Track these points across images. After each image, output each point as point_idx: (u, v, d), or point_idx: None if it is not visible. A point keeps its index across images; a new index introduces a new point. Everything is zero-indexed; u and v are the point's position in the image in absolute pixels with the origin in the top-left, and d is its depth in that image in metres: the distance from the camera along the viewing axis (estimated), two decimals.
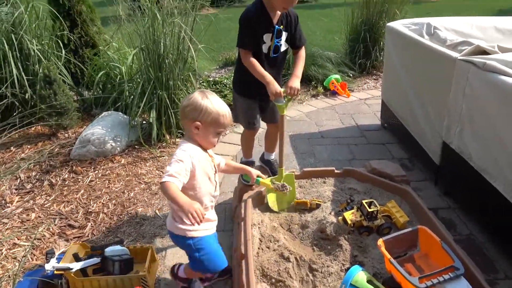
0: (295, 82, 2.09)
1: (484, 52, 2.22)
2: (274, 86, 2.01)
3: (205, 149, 1.68)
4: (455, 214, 2.43)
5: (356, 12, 5.16)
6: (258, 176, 1.96)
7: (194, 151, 1.59)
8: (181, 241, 1.66)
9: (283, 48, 2.11)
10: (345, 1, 5.19)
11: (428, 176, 2.83)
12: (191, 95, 1.60)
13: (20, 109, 3.51)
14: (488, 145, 2.05)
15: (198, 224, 1.38)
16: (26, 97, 3.45)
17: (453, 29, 2.95)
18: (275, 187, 2.05)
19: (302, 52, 2.22)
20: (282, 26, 2.06)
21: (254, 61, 2.03)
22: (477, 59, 2.12)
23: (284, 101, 2.11)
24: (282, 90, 2.06)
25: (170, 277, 1.90)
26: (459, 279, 1.50)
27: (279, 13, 2.05)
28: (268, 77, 2.02)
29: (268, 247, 2.00)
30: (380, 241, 1.73)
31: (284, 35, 2.08)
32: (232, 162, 1.99)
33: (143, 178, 2.94)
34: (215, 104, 1.57)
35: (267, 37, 2.04)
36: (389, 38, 3.41)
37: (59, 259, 1.83)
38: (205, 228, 1.71)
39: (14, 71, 3.41)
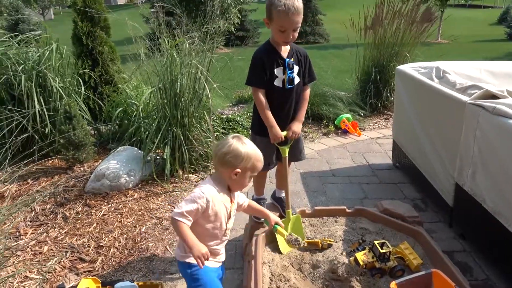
0: (297, 126, 2.20)
1: (493, 96, 2.27)
2: (276, 130, 2.10)
3: (230, 191, 1.70)
4: (471, 257, 2.37)
5: (367, 53, 5.32)
6: (276, 224, 1.96)
7: (214, 196, 1.60)
8: (182, 269, 1.67)
9: (297, 80, 2.18)
10: (356, 43, 5.36)
11: (442, 218, 2.79)
12: (227, 141, 1.61)
13: (39, 143, 3.64)
14: (501, 188, 2.04)
15: (200, 267, 1.45)
16: (46, 131, 3.59)
17: (462, 73, 3.01)
18: (288, 239, 2.04)
19: (307, 93, 2.28)
20: (292, 59, 2.15)
21: (262, 100, 2.10)
22: (487, 103, 2.16)
23: (286, 144, 2.19)
24: (284, 133, 2.15)
25: None
26: None
27: (287, 48, 2.14)
28: (271, 120, 2.10)
29: (279, 287, 1.97)
30: (393, 284, 1.70)
31: (296, 68, 2.16)
32: (254, 203, 2.00)
33: (155, 213, 2.97)
34: (254, 150, 1.63)
35: (278, 71, 2.11)
36: (399, 80, 3.50)
37: None
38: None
39: (37, 106, 3.57)
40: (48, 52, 3.77)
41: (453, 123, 2.44)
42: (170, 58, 3.31)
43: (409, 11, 4.93)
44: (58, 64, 3.87)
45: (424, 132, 2.95)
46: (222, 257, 1.80)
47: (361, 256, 2.08)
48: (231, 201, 1.71)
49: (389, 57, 5.12)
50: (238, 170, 1.59)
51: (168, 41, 3.40)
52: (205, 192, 1.57)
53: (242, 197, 1.86)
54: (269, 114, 2.10)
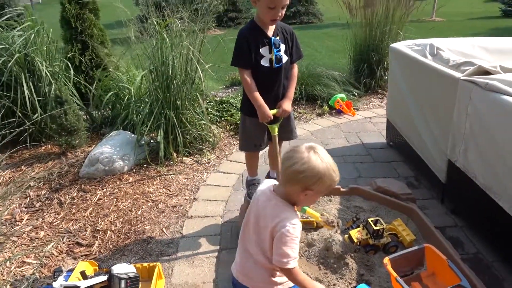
0: (287, 104, 2.18)
1: (486, 72, 2.26)
2: (265, 109, 2.08)
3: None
4: (462, 232, 2.42)
5: (359, 32, 5.26)
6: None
7: (299, 224, 1.40)
8: None
9: (284, 59, 2.15)
10: (347, 23, 5.30)
11: (435, 194, 2.82)
12: (301, 155, 1.32)
13: (30, 129, 3.61)
14: (492, 164, 2.06)
15: None
16: (35, 116, 3.54)
17: (456, 49, 2.99)
18: (324, 220, 2.04)
19: (295, 71, 2.26)
20: (278, 37, 2.11)
21: (248, 80, 2.07)
22: (480, 79, 2.15)
23: (276, 122, 2.18)
24: (273, 112, 2.13)
25: None
26: None
27: (273, 27, 2.11)
28: (259, 100, 2.08)
29: None
30: (386, 260, 1.73)
31: (282, 47, 2.13)
32: None
33: (150, 196, 2.98)
34: (332, 165, 1.34)
35: (264, 51, 2.08)
36: (393, 58, 3.48)
37: (67, 277, 1.85)
38: None
39: (26, 91, 3.51)
40: (33, 36, 3.68)
41: (447, 100, 2.44)
42: (160, 40, 3.25)
43: None
44: (45, 48, 3.78)
45: (417, 110, 2.95)
46: None
47: (355, 234, 2.11)
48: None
49: (380, 36, 5.07)
50: (311, 191, 1.34)
51: (157, 22, 3.33)
52: (296, 225, 1.37)
53: None
54: (257, 94, 2.08)
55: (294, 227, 1.36)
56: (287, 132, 2.36)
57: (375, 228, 2.06)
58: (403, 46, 3.25)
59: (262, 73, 2.11)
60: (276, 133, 2.21)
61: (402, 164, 3.34)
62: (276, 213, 1.39)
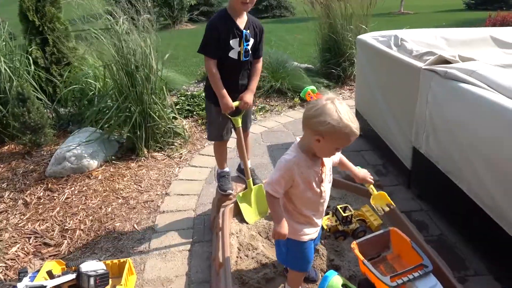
0: (249, 96, 2.19)
1: (446, 61, 2.34)
2: (227, 100, 2.09)
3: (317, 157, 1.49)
4: (427, 216, 2.52)
5: (324, 26, 5.32)
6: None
7: (299, 161, 1.44)
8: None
9: (250, 53, 2.15)
10: (313, 16, 5.34)
11: (401, 181, 2.92)
12: (318, 102, 1.36)
13: None
14: (449, 148, 2.15)
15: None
16: None
17: (419, 40, 3.08)
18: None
19: (259, 65, 2.27)
20: (249, 31, 2.10)
21: (213, 70, 2.06)
22: (439, 68, 2.23)
23: (238, 114, 2.19)
24: (235, 104, 2.14)
25: None
26: (428, 276, 1.56)
27: (244, 18, 2.09)
28: (223, 91, 2.08)
29: (247, 256, 2.02)
30: (353, 244, 1.78)
31: (251, 41, 2.13)
32: (345, 159, 1.79)
33: (120, 193, 2.92)
34: (346, 120, 1.31)
35: (234, 43, 2.06)
36: (359, 49, 3.54)
37: (32, 278, 1.80)
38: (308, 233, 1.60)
39: None
40: None
41: (410, 89, 2.52)
42: (118, 35, 3.18)
43: None
44: (4, 43, 3.62)
45: (384, 99, 3.03)
46: (320, 221, 1.67)
47: (325, 221, 2.16)
48: (322, 163, 1.52)
49: (340, 29, 5.12)
50: (322, 138, 1.35)
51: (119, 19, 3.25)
52: (289, 160, 1.43)
53: (337, 155, 1.67)
54: (220, 84, 2.08)
55: (285, 158, 1.45)
56: (246, 122, 2.38)
57: (344, 214, 2.11)
58: (369, 37, 3.32)
59: (228, 65, 2.10)
60: (240, 125, 2.23)
61: (371, 152, 3.43)
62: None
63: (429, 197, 2.64)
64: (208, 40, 2.05)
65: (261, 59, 2.27)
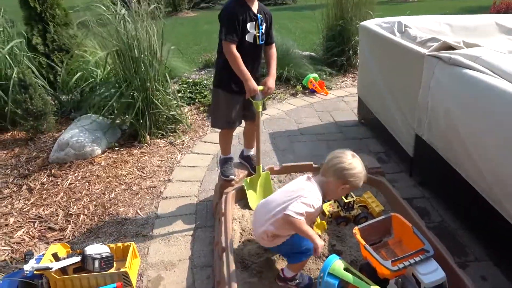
0: (272, 81, 2.20)
1: (450, 47, 2.33)
2: (252, 83, 2.08)
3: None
4: (429, 203, 2.53)
5: (330, 13, 5.27)
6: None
7: (320, 201, 1.70)
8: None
9: (264, 37, 2.17)
10: (315, 2, 5.28)
11: (404, 168, 2.92)
12: (347, 157, 1.69)
13: None
14: (450, 135, 2.16)
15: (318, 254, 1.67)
16: None
17: (423, 26, 3.06)
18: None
19: (274, 50, 2.29)
20: (261, 15, 2.12)
21: (237, 54, 2.05)
22: (443, 54, 2.22)
23: (260, 98, 2.18)
24: (260, 88, 2.13)
25: (280, 283, 1.79)
26: (429, 260, 1.58)
27: (256, 4, 2.11)
28: (247, 74, 2.07)
29: (249, 241, 2.04)
30: (355, 229, 1.79)
31: (264, 26, 2.15)
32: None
33: (123, 179, 2.94)
34: (363, 169, 1.72)
35: (251, 26, 2.08)
36: (362, 36, 3.52)
37: (38, 260, 1.82)
38: None
39: None
40: None
41: (413, 76, 2.51)
42: (122, 22, 3.15)
43: None
44: (2, 30, 3.60)
45: (387, 86, 3.02)
46: None
47: (327, 207, 2.18)
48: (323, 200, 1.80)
49: (351, 16, 5.09)
50: (348, 186, 1.70)
51: (119, 4, 3.22)
52: (319, 203, 1.68)
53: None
54: (244, 68, 2.07)
55: (316, 197, 1.67)
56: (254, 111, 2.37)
57: (346, 200, 2.13)
58: (373, 24, 3.29)
59: (244, 49, 2.10)
60: (261, 109, 2.21)
61: (373, 140, 3.43)
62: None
63: (431, 184, 2.65)
64: (228, 25, 2.04)
65: (273, 44, 2.30)
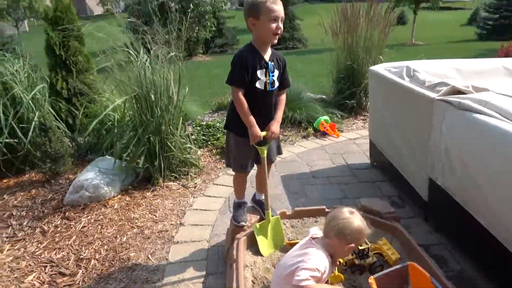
0: (276, 126, 2.23)
1: (459, 92, 2.36)
2: (256, 129, 2.12)
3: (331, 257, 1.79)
4: (446, 250, 2.45)
5: (340, 56, 5.43)
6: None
7: (327, 264, 1.73)
8: None
9: (276, 84, 2.22)
10: (331, 47, 5.46)
11: (419, 213, 2.86)
12: (347, 216, 1.74)
13: (13, 156, 3.57)
14: (464, 180, 2.13)
15: None
16: (16, 144, 3.50)
17: (431, 71, 3.12)
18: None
19: (284, 96, 2.34)
20: (273, 63, 2.19)
21: (242, 100, 2.12)
22: (453, 98, 2.25)
23: (265, 144, 2.21)
24: (263, 134, 2.17)
25: None
26: None
27: (269, 52, 2.19)
28: (252, 120, 2.12)
29: None
30: (371, 279, 1.74)
31: (276, 72, 2.21)
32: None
33: (136, 222, 2.94)
34: (366, 226, 1.77)
35: (261, 73, 2.14)
36: (372, 80, 3.59)
37: None
38: None
39: (2, 117, 3.48)
40: (17, 66, 3.73)
41: (424, 120, 2.53)
42: (143, 68, 3.31)
43: (375, 15, 5.11)
44: (26, 75, 3.81)
45: (398, 130, 3.03)
46: None
47: None
48: (334, 263, 1.84)
49: (361, 60, 5.23)
50: (353, 245, 1.74)
51: (142, 50, 3.40)
52: (325, 264, 1.72)
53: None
54: (249, 113, 2.12)
55: (320, 262, 1.70)
56: (270, 155, 2.39)
57: (360, 248, 2.07)
58: (382, 68, 3.37)
59: (255, 95, 2.16)
60: (265, 155, 2.24)
61: (386, 183, 3.39)
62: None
63: (448, 230, 2.58)
64: (236, 71, 2.12)
65: (285, 90, 2.34)
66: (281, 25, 2.07)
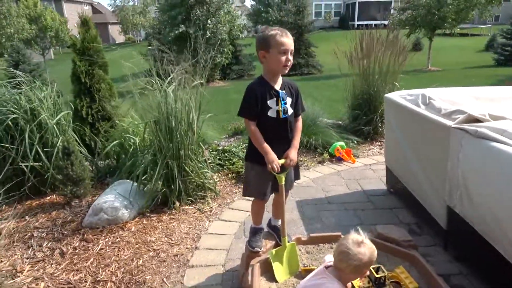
0: (294, 153, 2.26)
1: (476, 120, 2.36)
2: (272, 156, 2.16)
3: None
4: (467, 280, 2.38)
5: (357, 82, 5.49)
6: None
7: None
8: None
9: (290, 111, 2.26)
10: (346, 73, 5.54)
11: (438, 241, 2.80)
12: (357, 250, 1.78)
13: (37, 179, 3.70)
14: (482, 208, 2.09)
15: None
16: (40, 168, 3.63)
17: (447, 98, 3.12)
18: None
19: (300, 123, 2.38)
20: (284, 91, 2.25)
21: (255, 129, 2.19)
22: (470, 127, 2.25)
23: (283, 171, 2.24)
24: (281, 161, 2.20)
25: None
26: None
27: (280, 81, 2.25)
28: (266, 147, 2.17)
29: None
30: None
31: (289, 100, 2.26)
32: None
33: (152, 246, 2.97)
34: (373, 254, 1.82)
35: (271, 103, 2.19)
36: (388, 108, 3.62)
37: None
38: None
39: (27, 142, 3.62)
40: (45, 92, 3.92)
41: (440, 147, 2.52)
42: (164, 94, 3.43)
43: (390, 41, 5.18)
44: (53, 102, 3.99)
45: (414, 157, 3.02)
46: None
47: (357, 282, 2.10)
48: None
49: (376, 86, 5.28)
50: (364, 271, 1.84)
51: (162, 78, 3.53)
52: None
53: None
54: (263, 141, 2.17)
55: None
56: (288, 182, 2.41)
57: (377, 275, 2.05)
58: (397, 96, 3.40)
59: (269, 123, 2.21)
60: (283, 183, 2.26)
61: (404, 210, 3.35)
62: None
63: (468, 260, 2.51)
64: (247, 103, 2.19)
65: (300, 117, 2.39)
66: (290, 58, 2.15)
